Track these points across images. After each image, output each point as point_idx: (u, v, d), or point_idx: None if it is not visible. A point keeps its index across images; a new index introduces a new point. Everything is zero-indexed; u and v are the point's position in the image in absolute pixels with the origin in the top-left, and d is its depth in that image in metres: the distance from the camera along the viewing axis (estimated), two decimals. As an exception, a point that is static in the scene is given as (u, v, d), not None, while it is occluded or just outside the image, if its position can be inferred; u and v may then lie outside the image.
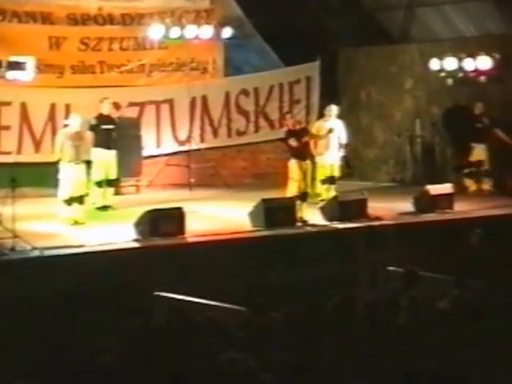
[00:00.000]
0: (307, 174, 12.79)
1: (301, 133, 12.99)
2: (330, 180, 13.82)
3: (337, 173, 13.98)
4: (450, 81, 15.24)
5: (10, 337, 9.02)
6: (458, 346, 6.90)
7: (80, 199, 12.02)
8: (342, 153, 14.03)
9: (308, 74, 16.90)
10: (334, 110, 14.04)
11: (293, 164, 12.74)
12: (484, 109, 14.81)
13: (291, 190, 12.68)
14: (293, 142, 12.74)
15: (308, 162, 12.87)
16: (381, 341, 6.97)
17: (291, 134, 12.94)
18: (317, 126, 14.11)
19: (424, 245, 11.52)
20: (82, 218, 12.00)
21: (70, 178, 12.00)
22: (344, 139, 14.03)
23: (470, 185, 14.93)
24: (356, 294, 8.14)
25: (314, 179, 13.72)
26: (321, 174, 13.83)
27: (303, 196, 12.52)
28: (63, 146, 12.11)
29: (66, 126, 12.61)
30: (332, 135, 13.82)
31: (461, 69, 15.03)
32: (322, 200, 13.22)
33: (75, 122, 12.31)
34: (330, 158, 13.86)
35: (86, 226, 11.84)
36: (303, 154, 12.78)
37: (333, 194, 13.47)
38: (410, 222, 12.45)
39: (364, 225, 12.02)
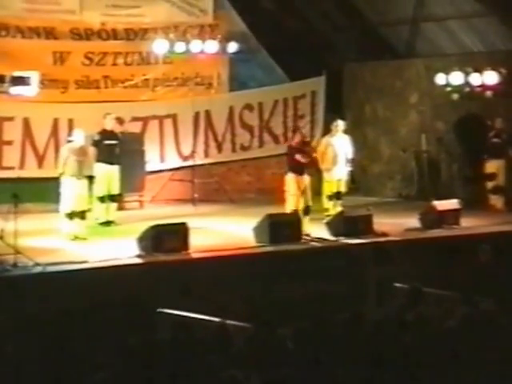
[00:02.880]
0: (306, 188, 12.73)
1: (305, 149, 12.94)
2: (337, 195, 13.78)
3: (343, 188, 13.92)
4: (455, 96, 15.19)
5: (12, 353, 8.92)
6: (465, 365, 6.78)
7: (82, 214, 11.98)
8: (348, 168, 13.97)
9: (313, 88, 16.88)
10: (340, 125, 13.98)
11: (290, 178, 12.72)
12: (504, 124, 14.74)
13: (289, 204, 12.64)
14: (301, 158, 12.64)
15: (306, 176, 12.80)
16: (388, 359, 6.86)
17: (296, 149, 12.87)
18: (324, 142, 14.05)
19: (431, 261, 11.42)
20: (83, 234, 11.94)
21: (73, 192, 11.96)
22: (350, 154, 13.98)
23: (494, 201, 14.76)
24: (362, 311, 8.03)
25: (321, 194, 13.75)
26: (327, 190, 13.77)
27: (305, 210, 12.48)
28: (67, 160, 12.10)
29: (69, 141, 12.56)
30: (339, 150, 13.77)
31: (467, 84, 14.97)
32: (329, 215, 13.17)
33: (79, 137, 12.31)
34: (337, 173, 13.80)
35: (88, 242, 11.78)
36: (301, 168, 12.74)
37: (339, 209, 13.44)
38: (417, 238, 12.38)
39: (370, 241, 11.96)
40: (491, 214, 14.17)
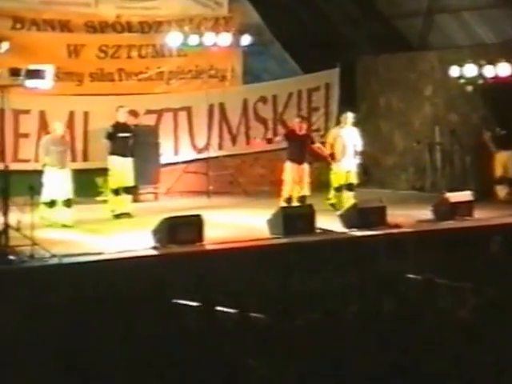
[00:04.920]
0: (303, 177, 12.83)
1: (303, 138, 13.06)
2: (348, 187, 13.88)
3: (354, 180, 14.00)
4: (469, 88, 15.16)
5: (28, 343, 9.01)
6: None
7: (67, 203, 12.34)
8: (357, 160, 14.06)
9: (327, 81, 16.88)
10: (349, 117, 14.07)
11: (287, 166, 12.89)
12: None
13: (284, 192, 12.78)
14: (276, 139, 13.04)
15: (304, 166, 12.90)
16: (400, 350, 6.90)
17: (290, 136, 12.99)
18: (332, 133, 14.18)
19: (443, 252, 11.42)
20: (69, 222, 12.24)
21: (53, 182, 12.27)
22: (360, 146, 14.06)
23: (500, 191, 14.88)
24: (375, 303, 8.07)
25: (329, 186, 13.94)
26: (335, 181, 13.90)
27: (300, 199, 12.75)
28: (48, 151, 12.46)
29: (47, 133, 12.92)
30: (348, 142, 13.86)
31: (481, 76, 14.94)
32: (332, 205, 13.54)
33: (59, 129, 12.69)
34: (346, 164, 13.89)
35: (104, 234, 11.86)
36: (299, 157, 12.80)
37: (352, 201, 13.49)
38: (430, 230, 12.38)
39: (383, 232, 11.97)
40: (503, 205, 14.17)
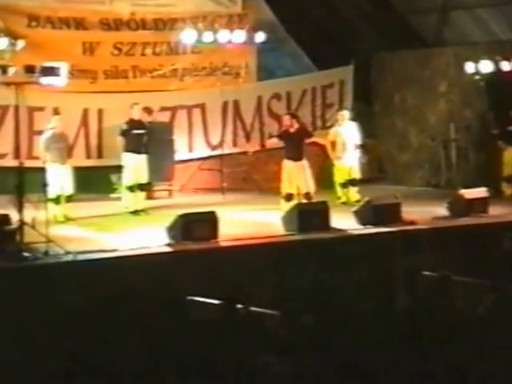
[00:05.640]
0: (300, 174, 12.79)
1: (297, 135, 13.04)
2: (352, 182, 14.14)
3: (357, 175, 14.25)
4: (484, 84, 15.08)
5: (43, 340, 9.03)
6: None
7: (69, 198, 12.51)
8: (358, 154, 14.33)
9: (341, 77, 16.81)
10: (346, 114, 14.50)
11: (284, 164, 13.04)
12: None
13: (283, 189, 12.96)
14: (271, 142, 13.12)
15: (302, 162, 12.90)
16: (418, 346, 6.87)
17: (283, 135, 13.06)
18: (332, 132, 14.43)
19: (459, 249, 11.38)
20: (68, 216, 12.49)
21: (56, 178, 12.33)
22: (359, 140, 14.36)
23: (505, 188, 14.86)
24: (390, 300, 8.04)
25: (334, 183, 14.23)
26: (339, 177, 14.18)
27: (289, 196, 12.81)
28: (48, 148, 12.58)
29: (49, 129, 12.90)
30: (348, 138, 14.17)
31: (496, 72, 14.86)
32: (344, 203, 13.74)
33: (57, 124, 12.77)
34: (348, 160, 14.16)
35: (119, 231, 11.86)
36: (295, 155, 12.85)
37: (357, 196, 13.85)
38: (445, 227, 12.32)
39: (398, 229, 11.92)
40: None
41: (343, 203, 13.92)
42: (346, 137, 14.19)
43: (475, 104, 15.96)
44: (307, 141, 13.56)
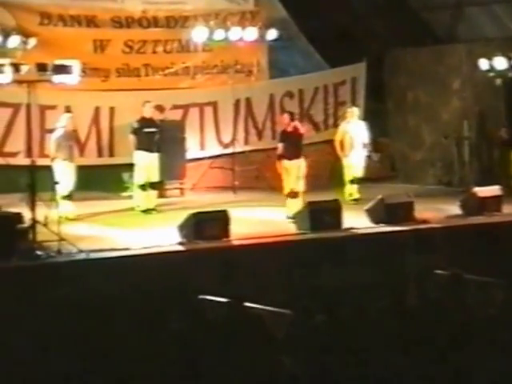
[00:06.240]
0: (295, 172, 12.80)
1: (294, 135, 12.97)
2: (353, 181, 14.24)
3: (360, 173, 14.34)
4: (499, 81, 14.99)
5: (56, 338, 9.03)
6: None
7: (69, 196, 12.51)
8: (366, 152, 14.37)
9: (354, 75, 16.75)
10: (355, 111, 14.50)
11: (283, 164, 12.93)
12: None
13: (284, 188, 12.93)
14: (280, 146, 12.91)
15: (299, 161, 12.83)
16: (430, 345, 6.84)
17: (285, 136, 13.03)
18: (340, 130, 14.47)
19: (472, 248, 11.31)
20: (74, 213, 12.49)
21: (66, 175, 12.38)
22: (367, 139, 14.38)
23: None
24: (402, 299, 8.00)
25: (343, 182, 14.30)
26: (348, 175, 14.26)
27: (291, 194, 12.74)
28: (60, 145, 12.57)
29: (58, 127, 12.89)
30: (356, 136, 14.20)
31: (510, 68, 14.76)
32: (355, 200, 13.88)
33: (69, 122, 12.82)
34: (354, 157, 14.23)
35: (131, 229, 11.85)
36: (291, 153, 12.83)
37: (356, 195, 14.03)
38: (458, 225, 12.26)
39: (411, 228, 11.89)
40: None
41: (355, 200, 13.97)
42: (354, 134, 14.21)
43: (489, 101, 15.85)
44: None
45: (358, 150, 14.23)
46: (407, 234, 11.69)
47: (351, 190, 14.24)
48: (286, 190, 12.93)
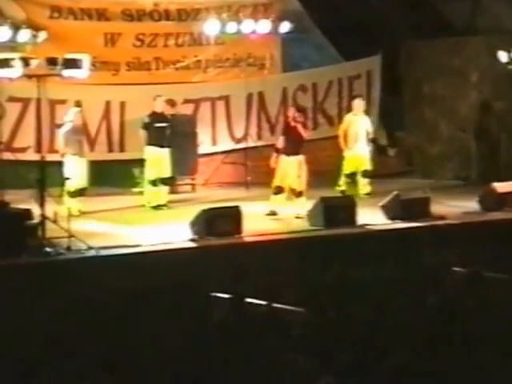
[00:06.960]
0: (290, 169, 12.57)
1: (293, 130, 12.75)
2: (364, 174, 14.05)
3: (369, 166, 14.13)
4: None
5: (66, 336, 8.92)
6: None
7: (81, 192, 12.40)
8: (370, 147, 14.29)
9: (369, 68, 16.58)
10: (361, 104, 14.39)
11: (280, 159, 12.75)
12: None
13: (273, 182, 12.74)
14: (281, 140, 12.76)
15: (296, 158, 12.61)
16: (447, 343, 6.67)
17: (285, 132, 12.85)
18: (346, 120, 14.32)
19: (490, 245, 11.14)
20: (81, 209, 12.36)
21: (76, 170, 12.29)
22: (372, 133, 14.36)
23: None
24: (419, 296, 7.86)
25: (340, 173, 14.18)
26: (347, 168, 14.04)
27: (278, 190, 12.57)
28: (68, 140, 12.47)
29: (67, 121, 12.80)
30: (361, 129, 14.08)
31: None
32: (342, 192, 13.70)
33: (77, 116, 12.73)
34: (359, 150, 14.06)
35: (141, 225, 11.75)
36: (289, 149, 12.65)
37: (367, 189, 13.86)
38: (476, 222, 12.12)
39: (427, 224, 11.78)
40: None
41: (341, 192, 13.76)
42: (359, 127, 14.06)
43: (508, 94, 15.63)
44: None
45: (362, 143, 14.04)
46: (423, 231, 11.57)
47: (348, 184, 14.00)
48: (274, 185, 12.63)
